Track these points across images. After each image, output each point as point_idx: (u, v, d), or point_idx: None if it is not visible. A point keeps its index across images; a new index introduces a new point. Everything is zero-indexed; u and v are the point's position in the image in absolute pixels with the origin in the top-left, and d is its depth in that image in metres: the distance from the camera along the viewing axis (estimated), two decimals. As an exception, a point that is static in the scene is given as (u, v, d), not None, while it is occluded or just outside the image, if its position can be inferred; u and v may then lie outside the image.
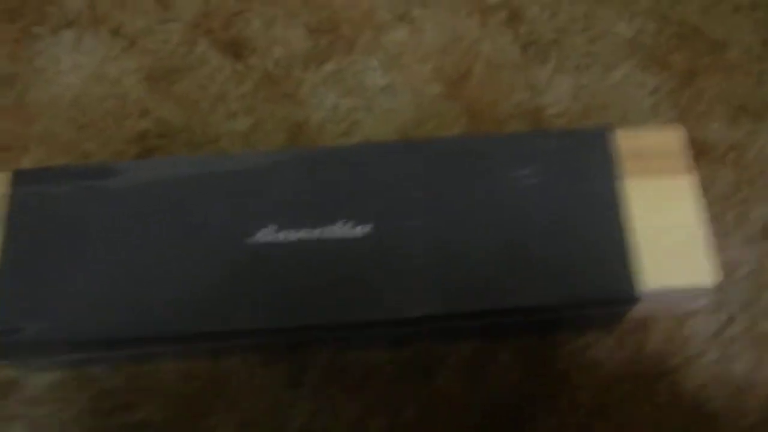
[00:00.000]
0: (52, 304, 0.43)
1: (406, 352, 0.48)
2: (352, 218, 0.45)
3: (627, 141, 0.46)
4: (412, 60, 0.58)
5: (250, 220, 0.45)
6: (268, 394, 0.48)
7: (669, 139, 0.47)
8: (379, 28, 0.59)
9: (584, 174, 0.46)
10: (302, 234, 0.44)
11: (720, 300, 0.49)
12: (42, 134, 0.55)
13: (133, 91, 0.57)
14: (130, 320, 0.43)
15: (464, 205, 0.45)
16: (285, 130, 0.55)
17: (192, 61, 0.58)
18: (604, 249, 0.44)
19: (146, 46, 0.59)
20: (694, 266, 0.43)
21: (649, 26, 0.58)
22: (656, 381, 0.47)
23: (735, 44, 0.57)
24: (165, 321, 0.43)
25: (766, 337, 0.48)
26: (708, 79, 0.56)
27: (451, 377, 0.48)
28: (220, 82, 0.57)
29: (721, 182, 0.52)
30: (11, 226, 0.45)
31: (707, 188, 0.51)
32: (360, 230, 0.44)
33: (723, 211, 0.51)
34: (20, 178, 0.46)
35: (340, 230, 0.44)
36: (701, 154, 0.53)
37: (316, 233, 0.44)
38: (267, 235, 0.44)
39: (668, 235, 0.44)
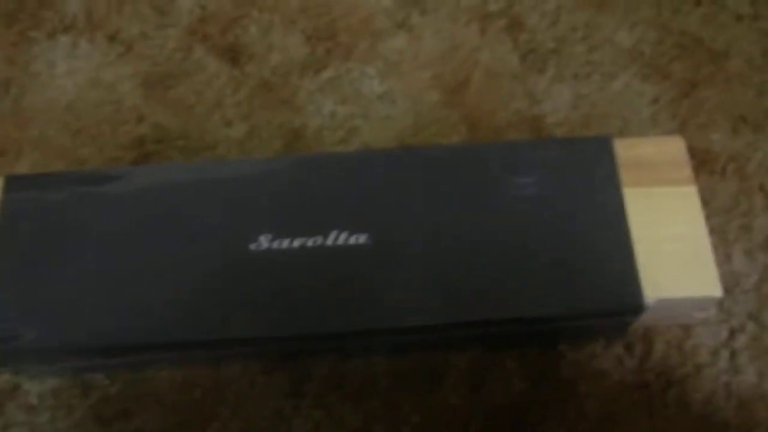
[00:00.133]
0: (49, 311, 0.43)
1: (408, 360, 0.48)
2: (351, 226, 0.44)
3: (627, 151, 0.46)
4: (410, 67, 0.57)
5: (248, 228, 0.44)
6: (268, 403, 0.47)
7: (669, 149, 0.46)
8: (377, 35, 0.58)
9: (586, 183, 0.45)
10: (301, 241, 0.44)
11: (725, 311, 0.48)
12: (37, 139, 0.55)
13: (129, 96, 0.57)
14: (127, 327, 0.43)
15: (464, 214, 0.45)
16: (281, 137, 0.55)
17: (188, 67, 0.57)
18: (607, 258, 0.43)
19: (143, 52, 0.58)
20: (698, 276, 0.43)
21: (649, 36, 0.57)
22: (663, 391, 0.46)
23: (736, 54, 0.56)
24: (163, 328, 0.42)
25: (772, 349, 0.47)
26: (708, 90, 0.55)
27: (454, 386, 0.47)
28: (217, 88, 0.57)
29: (723, 194, 0.51)
30: (5, 233, 0.44)
31: (708, 200, 0.51)
32: (359, 238, 0.44)
33: (725, 223, 0.51)
34: (13, 183, 0.46)
35: (339, 238, 0.44)
36: (702, 165, 0.52)
37: (314, 241, 0.44)
38: (265, 242, 0.44)
39: (671, 246, 0.43)
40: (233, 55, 0.58)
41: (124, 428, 0.47)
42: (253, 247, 0.44)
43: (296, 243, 0.44)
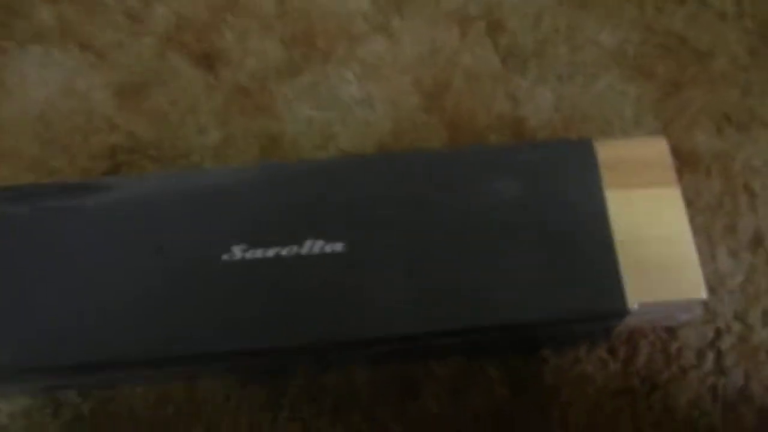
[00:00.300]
0: (18, 329, 0.41)
1: (387, 370, 0.46)
2: (327, 234, 0.43)
3: (609, 152, 0.45)
4: (389, 72, 0.56)
5: (222, 238, 0.43)
6: (245, 417, 0.46)
7: (652, 150, 0.46)
8: (355, 39, 0.57)
9: (568, 186, 0.44)
10: (276, 251, 0.43)
11: (711, 312, 0.47)
12: (7, 151, 0.54)
13: (102, 105, 0.55)
14: (99, 344, 0.41)
15: (443, 220, 0.44)
16: (258, 144, 0.54)
17: (163, 74, 0.56)
18: (590, 262, 0.42)
19: (116, 60, 0.57)
20: (683, 279, 0.42)
21: (632, 36, 0.57)
22: (648, 395, 0.45)
23: (720, 54, 0.56)
24: (135, 344, 0.41)
25: (759, 350, 0.46)
26: (693, 90, 0.54)
27: (435, 395, 0.46)
28: (192, 95, 0.55)
29: (707, 194, 0.50)
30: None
31: (693, 200, 0.50)
32: (335, 246, 0.43)
33: (710, 222, 0.50)
34: (-20, 197, 0.45)
35: (315, 247, 0.43)
36: (686, 165, 0.51)
37: (289, 250, 0.43)
38: (238, 252, 0.43)
39: (655, 248, 0.43)
40: (209, 62, 0.57)
41: (98, 446, 0.45)
42: (226, 257, 0.43)
43: (270, 252, 0.43)
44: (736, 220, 0.49)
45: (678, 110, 0.54)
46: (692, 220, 0.45)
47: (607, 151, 0.45)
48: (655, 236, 0.43)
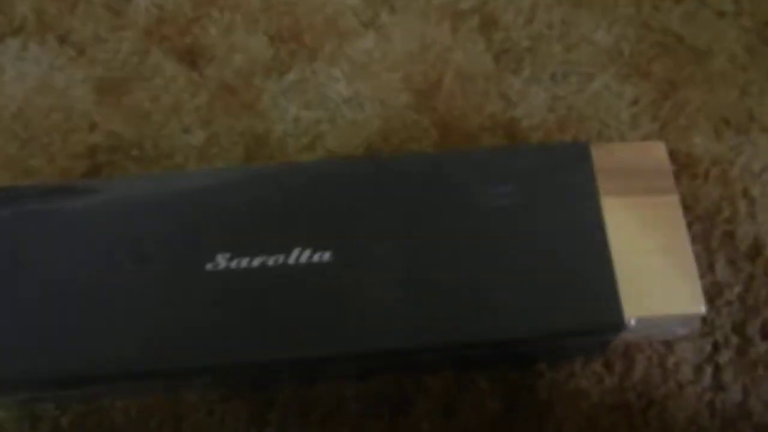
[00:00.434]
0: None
1: (376, 384, 0.45)
2: (315, 242, 0.41)
3: (605, 157, 0.44)
4: (379, 69, 0.54)
5: (204, 246, 0.41)
6: (229, 432, 0.44)
7: (650, 155, 0.44)
8: (344, 35, 0.55)
9: (563, 193, 0.43)
10: (261, 260, 0.41)
11: (709, 323, 0.46)
12: (-18, 150, 0.52)
13: (82, 102, 0.53)
14: (77, 357, 0.40)
15: (435, 228, 0.42)
16: (243, 144, 0.52)
17: (144, 70, 0.54)
18: (585, 274, 0.41)
19: (96, 55, 0.55)
20: (681, 292, 0.41)
21: (629, 34, 0.55)
22: (645, 410, 0.44)
23: (719, 53, 0.54)
24: (114, 358, 0.40)
25: (757, 364, 0.45)
26: (690, 90, 0.53)
27: (426, 410, 0.44)
28: (175, 92, 0.54)
29: (705, 199, 0.49)
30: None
31: (691, 206, 0.49)
32: (323, 256, 0.41)
33: (708, 230, 0.48)
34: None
35: (302, 256, 0.41)
36: (683, 168, 0.50)
37: (275, 260, 0.41)
38: (222, 262, 0.41)
39: (652, 259, 0.41)
40: (192, 58, 0.55)
41: (77, 460, 0.44)
42: (209, 267, 0.41)
43: (256, 262, 0.41)
44: (734, 227, 0.48)
45: (675, 111, 0.52)
46: (689, 227, 0.43)
47: (603, 156, 0.44)
48: (653, 246, 0.42)
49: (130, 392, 0.45)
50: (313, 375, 0.45)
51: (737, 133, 0.51)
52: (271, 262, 0.41)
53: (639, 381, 0.45)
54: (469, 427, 0.44)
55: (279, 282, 0.41)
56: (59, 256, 0.41)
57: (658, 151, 0.44)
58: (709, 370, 0.45)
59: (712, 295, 0.46)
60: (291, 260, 0.41)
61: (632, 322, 0.39)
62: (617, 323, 0.40)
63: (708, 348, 0.45)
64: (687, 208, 0.47)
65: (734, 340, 0.45)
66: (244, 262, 0.41)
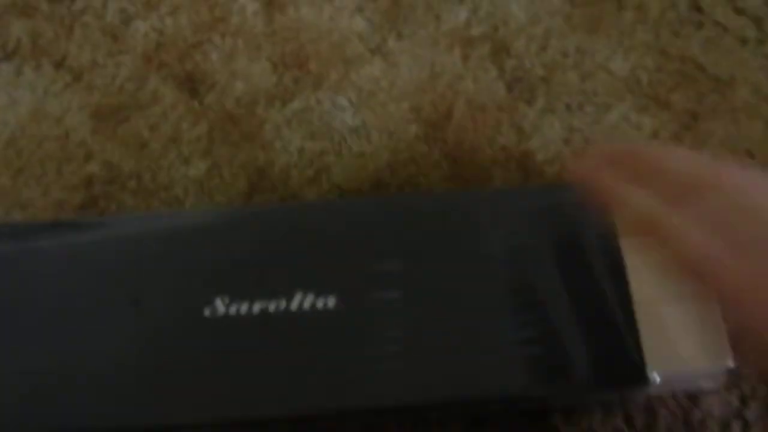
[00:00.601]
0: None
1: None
2: (318, 286, 0.39)
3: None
4: (386, 98, 0.52)
5: (202, 289, 0.40)
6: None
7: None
8: (350, 62, 0.53)
9: (581, 236, 0.41)
10: (261, 306, 0.39)
11: (735, 375, 0.43)
12: (-27, 181, 0.50)
13: (78, 131, 0.51)
14: (67, 411, 0.38)
15: (445, 273, 0.40)
16: (245, 177, 0.50)
17: (143, 98, 0.52)
18: (605, 325, 0.39)
19: (93, 81, 0.53)
20: (708, 344, 0.38)
21: (647, 62, 0.53)
22: (666, 467, 0.42)
23: (741, 82, 0.52)
24: (106, 412, 0.38)
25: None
26: (712, 122, 0.51)
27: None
28: (174, 121, 0.51)
29: (729, 240, 0.47)
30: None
31: (713, 246, 0.46)
32: (327, 301, 0.39)
33: (731, 272, 0.46)
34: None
35: (305, 301, 0.39)
36: (706, 206, 0.48)
37: (276, 305, 0.39)
38: (221, 307, 0.39)
39: (677, 307, 0.39)
40: (192, 85, 0.53)
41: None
42: (207, 312, 0.39)
43: (256, 308, 0.39)
44: (760, 270, 0.46)
45: (696, 144, 0.50)
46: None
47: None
48: (676, 292, 0.39)
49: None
50: (316, 430, 0.43)
51: (763, 166, 0.49)
52: (272, 308, 0.39)
53: (663, 436, 0.42)
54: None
55: (279, 329, 0.39)
56: (47, 301, 0.40)
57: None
58: (737, 427, 0.42)
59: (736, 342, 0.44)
60: (293, 306, 0.39)
61: (656, 377, 0.37)
62: (640, 378, 0.37)
63: (735, 402, 0.43)
64: (710, 248, 0.45)
65: (762, 391, 0.43)
66: (244, 308, 0.39)
